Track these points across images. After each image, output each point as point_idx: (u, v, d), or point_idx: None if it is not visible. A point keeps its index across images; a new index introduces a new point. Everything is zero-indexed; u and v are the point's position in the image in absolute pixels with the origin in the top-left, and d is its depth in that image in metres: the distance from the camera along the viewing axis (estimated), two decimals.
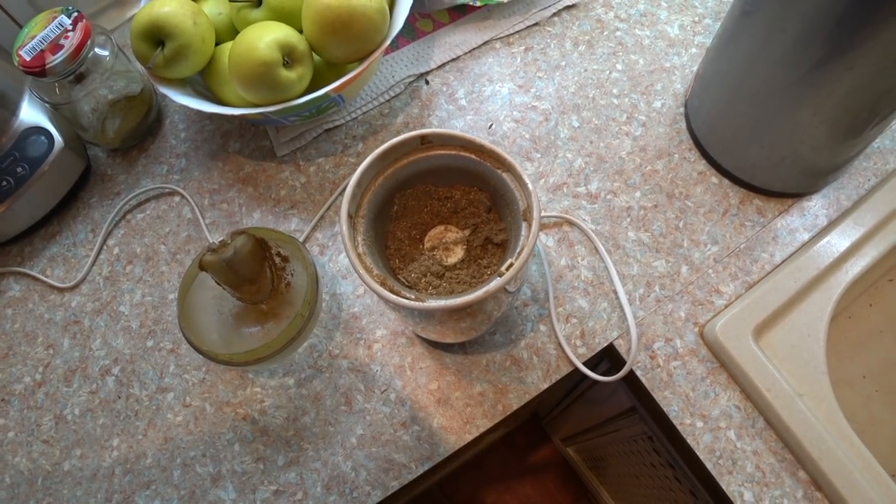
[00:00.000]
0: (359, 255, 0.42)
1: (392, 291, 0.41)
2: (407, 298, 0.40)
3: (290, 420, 0.54)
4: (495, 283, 0.39)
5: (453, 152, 0.45)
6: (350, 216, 0.43)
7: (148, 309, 0.60)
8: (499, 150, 0.44)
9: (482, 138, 0.44)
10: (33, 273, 0.63)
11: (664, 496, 0.74)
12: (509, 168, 0.44)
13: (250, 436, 0.54)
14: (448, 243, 0.48)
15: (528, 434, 1.40)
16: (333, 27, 0.53)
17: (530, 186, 0.42)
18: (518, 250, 0.41)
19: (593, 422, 0.87)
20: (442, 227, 0.49)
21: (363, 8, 0.53)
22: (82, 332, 0.60)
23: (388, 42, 0.56)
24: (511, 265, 0.40)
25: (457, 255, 0.47)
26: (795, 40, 0.46)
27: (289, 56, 0.54)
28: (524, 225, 0.42)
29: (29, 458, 0.56)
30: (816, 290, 0.55)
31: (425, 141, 0.45)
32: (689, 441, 0.51)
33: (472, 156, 0.45)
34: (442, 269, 0.46)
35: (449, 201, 0.48)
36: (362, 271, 0.41)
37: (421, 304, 0.40)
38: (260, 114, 0.55)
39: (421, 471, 0.52)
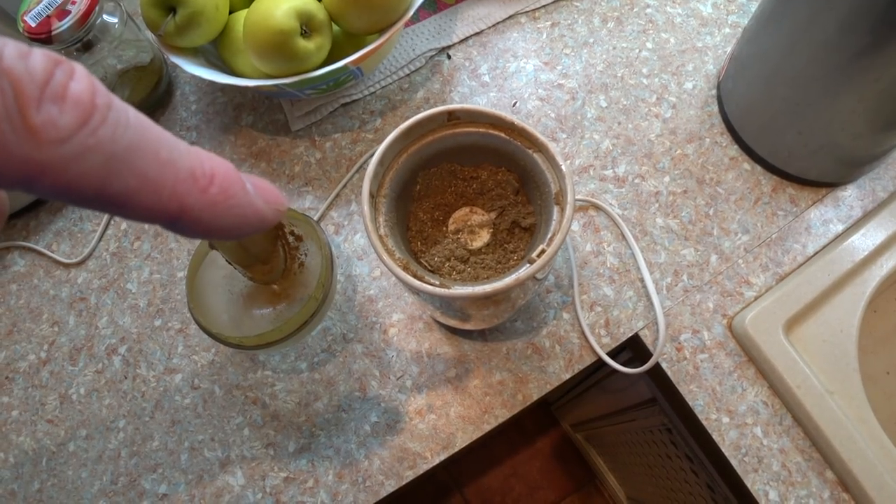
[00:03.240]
0: (380, 238, 0.40)
1: (415, 277, 0.39)
2: (431, 285, 0.38)
3: (302, 405, 0.53)
4: (525, 271, 0.37)
5: (482, 130, 0.43)
6: (371, 195, 0.41)
7: (156, 287, 0.58)
8: (530, 128, 0.41)
9: (513, 116, 0.42)
10: (39, 248, 0.61)
11: (678, 487, 0.73)
12: (541, 148, 0.41)
13: (260, 420, 0.53)
14: (473, 226, 0.46)
15: (536, 418, 1.39)
16: None
17: (564, 168, 0.39)
18: (549, 236, 0.39)
19: (607, 410, 0.86)
20: (467, 209, 0.47)
21: None
22: (88, 310, 0.58)
23: (411, 13, 0.54)
24: (543, 252, 0.38)
25: (482, 238, 0.45)
26: (842, 22, 0.43)
27: (307, 25, 0.52)
28: (556, 209, 0.40)
29: (33, 438, 0.55)
30: (850, 284, 0.53)
31: (452, 117, 0.43)
32: (714, 437, 0.49)
33: (502, 134, 0.43)
34: (466, 254, 0.44)
35: (475, 181, 0.46)
36: (384, 255, 0.39)
37: (446, 290, 0.38)
38: (275, 86, 0.53)
39: (437, 461, 0.51)
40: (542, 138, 0.41)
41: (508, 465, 1.36)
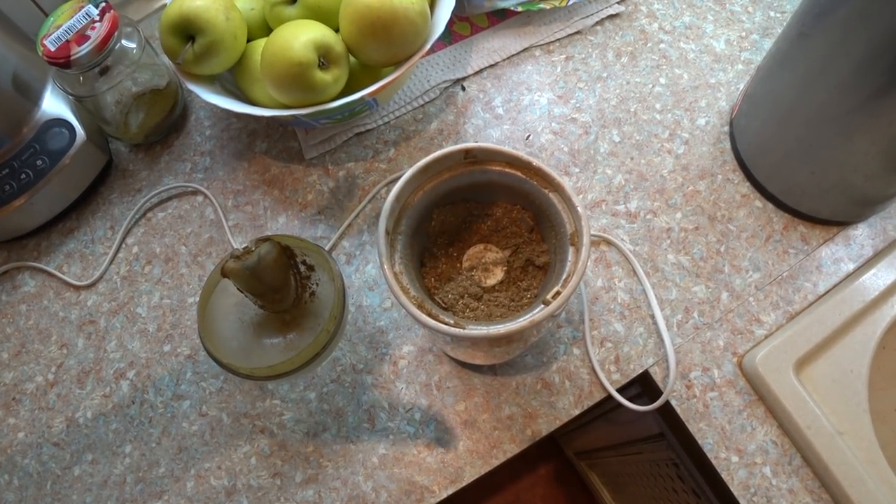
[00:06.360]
0: (396, 275, 0.40)
1: (430, 315, 0.39)
2: (446, 324, 0.38)
3: (310, 435, 0.53)
4: (541, 314, 0.37)
5: (498, 168, 0.43)
6: (388, 232, 0.41)
7: (166, 312, 0.58)
8: (547, 168, 0.41)
9: (530, 155, 0.42)
10: (49, 269, 0.61)
11: None
12: (557, 188, 0.42)
13: (268, 450, 0.53)
14: (488, 264, 0.46)
15: (539, 444, 1.37)
16: (373, 28, 0.51)
17: (580, 210, 0.40)
18: (564, 277, 0.39)
19: (613, 441, 0.85)
20: (481, 246, 0.47)
21: (405, 10, 0.51)
22: (97, 333, 0.58)
23: (427, 46, 0.54)
24: (558, 294, 0.38)
25: (496, 276, 0.45)
26: (858, 66, 0.44)
27: (325, 57, 0.52)
28: (571, 250, 0.40)
29: (38, 461, 0.54)
30: (861, 323, 0.53)
31: (469, 155, 0.43)
32: (723, 476, 0.49)
33: (518, 173, 0.43)
34: (480, 291, 0.44)
35: (490, 219, 0.46)
36: (399, 293, 0.39)
37: (461, 331, 0.38)
38: (291, 116, 0.53)
39: (444, 495, 0.50)
40: (559, 178, 0.41)
41: (511, 491, 1.35)
